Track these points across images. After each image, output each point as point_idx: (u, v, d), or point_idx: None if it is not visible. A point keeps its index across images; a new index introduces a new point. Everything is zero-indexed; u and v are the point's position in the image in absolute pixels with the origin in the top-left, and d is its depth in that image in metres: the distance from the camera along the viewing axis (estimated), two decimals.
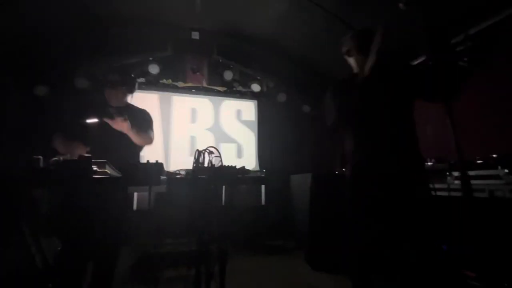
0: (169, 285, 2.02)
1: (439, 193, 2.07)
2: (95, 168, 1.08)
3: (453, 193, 1.97)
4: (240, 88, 4.23)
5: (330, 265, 2.56)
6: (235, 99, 4.22)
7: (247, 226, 3.35)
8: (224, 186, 1.81)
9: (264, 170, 3.81)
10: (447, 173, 2.06)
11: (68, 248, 1.43)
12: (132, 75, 2.14)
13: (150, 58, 3.72)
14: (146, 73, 3.74)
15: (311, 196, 2.82)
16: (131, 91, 2.03)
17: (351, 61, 1.74)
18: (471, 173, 1.92)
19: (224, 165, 1.25)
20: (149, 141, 2.02)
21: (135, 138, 1.82)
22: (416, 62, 3.10)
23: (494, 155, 1.89)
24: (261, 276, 2.50)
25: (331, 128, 1.71)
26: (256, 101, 4.32)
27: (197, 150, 1.25)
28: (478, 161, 1.92)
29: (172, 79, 3.92)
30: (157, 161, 1.14)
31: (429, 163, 2.33)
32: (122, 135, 1.73)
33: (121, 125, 1.69)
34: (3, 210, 1.09)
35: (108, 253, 1.53)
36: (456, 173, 1.98)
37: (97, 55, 3.32)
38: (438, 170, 2.21)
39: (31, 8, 2.60)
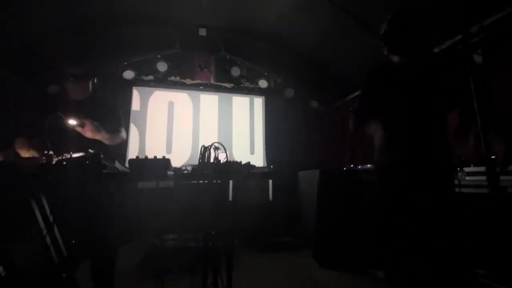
0: (176, 280, 2.06)
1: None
2: (104, 163, 1.11)
3: (464, 190, 1.92)
4: (247, 84, 4.23)
5: (338, 262, 2.55)
6: (242, 95, 4.23)
7: (254, 222, 3.36)
8: (231, 182, 1.83)
9: (272, 166, 3.82)
10: (458, 169, 2.01)
11: (81, 242, 1.49)
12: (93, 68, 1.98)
13: (158, 56, 3.76)
14: (154, 71, 3.79)
15: (319, 193, 2.81)
16: (93, 82, 1.88)
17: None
18: (482, 169, 1.87)
19: (230, 161, 1.26)
20: (120, 140, 1.91)
21: (106, 141, 1.73)
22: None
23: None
24: (268, 273, 2.51)
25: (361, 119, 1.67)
26: (263, 97, 4.32)
27: (203, 145, 1.26)
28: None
29: (180, 76, 3.96)
30: (163, 156, 1.16)
31: None
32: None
33: (86, 130, 1.56)
34: (18, 203, 1.14)
35: (109, 248, 1.56)
36: (468, 169, 1.93)
37: (106, 54, 3.38)
38: None
39: (42, 7, 2.66)
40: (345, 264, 2.54)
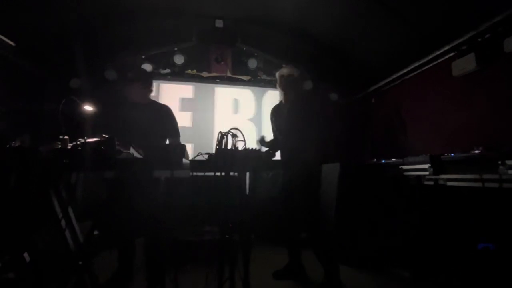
0: (192, 273, 2.03)
1: (487, 185, 1.85)
2: (119, 148, 1.08)
3: (506, 185, 1.73)
4: (264, 76, 4.13)
5: (357, 260, 2.44)
6: (260, 87, 4.14)
7: (272, 216, 3.29)
8: (248, 174, 1.75)
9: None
10: (499, 162, 1.81)
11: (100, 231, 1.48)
12: (148, 70, 2.15)
13: (175, 49, 3.75)
14: (172, 64, 3.79)
15: (339, 187, 2.69)
16: (148, 87, 2.02)
17: None
18: None
19: (248, 148, 1.18)
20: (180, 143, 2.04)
21: None
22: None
23: None
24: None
25: None
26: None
27: (220, 132, 1.20)
28: None
29: (197, 70, 3.93)
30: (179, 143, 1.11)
31: (477, 151, 2.08)
32: (146, 131, 1.73)
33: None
34: (36, 188, 1.13)
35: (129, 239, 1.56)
36: (511, 162, 1.73)
37: (124, 47, 3.41)
38: (488, 159, 1.97)
39: (62, 4, 2.70)
40: (365, 262, 2.43)
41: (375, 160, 3.13)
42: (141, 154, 1.16)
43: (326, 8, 3.25)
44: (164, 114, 2.05)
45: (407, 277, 2.21)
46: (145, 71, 2.08)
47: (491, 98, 2.47)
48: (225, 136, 1.20)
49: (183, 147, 1.10)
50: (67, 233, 1.18)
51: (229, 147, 1.23)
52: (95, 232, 1.50)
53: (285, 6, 3.38)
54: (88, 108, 1.38)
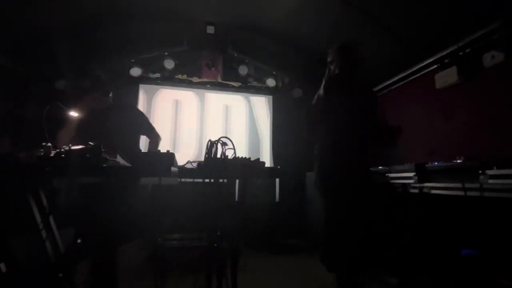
0: (179, 281, 1.99)
1: (470, 193, 1.91)
2: (105, 156, 1.05)
3: (487, 193, 1.80)
4: (255, 83, 4.16)
5: (346, 267, 2.45)
6: (250, 94, 4.16)
7: (260, 223, 3.28)
8: (237, 181, 1.75)
9: (279, 167, 3.72)
10: (480, 172, 1.88)
11: (83, 239, 1.43)
12: (102, 77, 2.13)
13: (166, 53, 3.72)
14: (161, 68, 3.75)
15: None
16: (107, 94, 1.99)
17: None
18: (508, 171, 1.74)
19: (238, 157, 1.18)
20: (160, 139, 2.11)
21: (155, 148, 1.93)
22: None
23: None
24: (273, 275, 2.42)
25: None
26: (271, 97, 4.24)
27: (210, 140, 1.19)
28: None
29: (187, 74, 3.91)
30: (168, 150, 1.09)
31: (458, 161, 2.16)
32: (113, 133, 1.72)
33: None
34: (15, 199, 1.08)
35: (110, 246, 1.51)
36: (491, 172, 1.80)
37: (113, 50, 3.35)
38: (469, 169, 2.04)
39: (49, 4, 2.64)
40: (354, 269, 2.44)
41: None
42: (128, 162, 1.14)
43: (316, 18, 3.33)
44: (131, 112, 2.05)
45: (394, 284, 2.24)
46: (102, 79, 2.06)
47: (472, 110, 2.57)
48: (214, 145, 1.19)
49: (172, 155, 1.09)
50: (47, 242, 1.12)
51: (218, 155, 1.22)
52: (78, 240, 1.44)
53: (276, 15, 3.44)
54: (73, 113, 1.34)
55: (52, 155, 1.03)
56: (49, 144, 1.02)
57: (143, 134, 2.10)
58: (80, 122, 1.75)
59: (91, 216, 1.46)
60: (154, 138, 2.07)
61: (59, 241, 1.21)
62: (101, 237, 1.53)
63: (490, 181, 1.80)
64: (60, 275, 1.11)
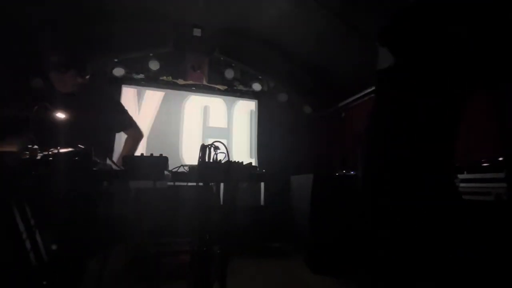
0: (167, 286, 1.96)
1: None
2: (95, 159, 1.02)
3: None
4: (241, 87, 4.18)
5: (330, 269, 2.52)
6: (235, 97, 4.18)
7: (245, 227, 3.28)
8: (222, 184, 1.75)
9: (264, 171, 3.76)
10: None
11: (66, 245, 1.37)
12: (80, 55, 1.78)
13: (151, 54, 3.66)
14: (146, 69, 3.68)
15: (313, 197, 2.78)
16: (82, 75, 1.66)
17: None
18: (477, 176, 1.89)
19: (231, 161, 1.20)
20: (141, 136, 1.88)
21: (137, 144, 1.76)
22: None
23: (500, 158, 1.87)
24: (259, 278, 2.44)
25: None
26: (256, 101, 4.28)
27: (203, 144, 1.20)
28: (484, 164, 1.90)
29: (172, 76, 3.86)
30: (161, 154, 1.09)
31: None
32: (81, 126, 1.48)
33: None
34: None
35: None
36: (462, 176, 1.95)
37: (96, 49, 3.24)
38: None
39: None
40: (338, 270, 2.51)
41: (344, 171, 3.30)
42: (118, 166, 1.12)
43: (302, 25, 3.43)
44: (106, 103, 1.76)
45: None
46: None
47: None
48: (207, 149, 1.20)
49: (165, 159, 1.08)
50: (30, 249, 1.07)
51: (210, 159, 1.23)
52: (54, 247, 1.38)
53: (264, 20, 3.50)
54: (61, 115, 1.29)
55: (38, 158, 0.99)
56: (36, 146, 0.98)
57: (121, 130, 1.82)
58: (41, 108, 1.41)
59: (73, 221, 1.41)
60: (135, 134, 1.82)
61: (42, 248, 1.15)
62: (83, 242, 1.48)
63: (462, 184, 1.95)
64: (44, 282, 1.07)
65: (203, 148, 1.20)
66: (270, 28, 3.65)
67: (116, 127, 1.79)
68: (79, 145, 1.03)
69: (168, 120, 3.78)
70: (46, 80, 1.70)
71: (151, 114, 3.72)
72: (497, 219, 1.70)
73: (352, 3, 2.96)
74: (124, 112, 1.81)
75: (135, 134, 1.82)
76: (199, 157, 1.16)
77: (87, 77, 1.68)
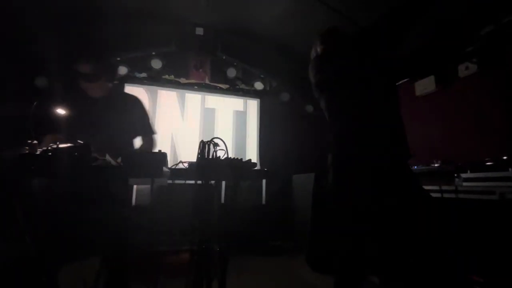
0: (168, 284, 1.95)
1: (446, 195, 2.03)
2: (95, 155, 1.03)
3: (462, 195, 1.92)
4: (243, 86, 4.18)
5: (331, 267, 2.50)
6: (237, 97, 4.17)
7: (246, 225, 3.28)
8: (224, 182, 1.75)
9: (266, 169, 3.76)
10: (455, 175, 2.01)
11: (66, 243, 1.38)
12: (111, 61, 1.83)
13: (153, 53, 3.67)
14: (148, 68, 3.69)
15: (314, 196, 2.77)
16: (111, 80, 1.72)
17: None
18: (480, 175, 1.87)
19: (230, 158, 1.19)
20: (155, 142, 1.88)
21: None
22: None
23: (505, 157, 1.85)
24: (260, 277, 2.43)
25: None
26: (258, 100, 4.28)
27: (202, 141, 1.19)
28: (488, 163, 1.87)
29: (174, 75, 3.87)
30: (160, 150, 1.08)
31: (436, 165, 2.28)
32: (109, 129, 1.55)
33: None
34: None
35: (117, 250, 1.47)
36: (465, 175, 1.93)
37: (99, 48, 3.26)
38: (445, 172, 2.17)
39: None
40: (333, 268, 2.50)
41: None
42: (118, 162, 1.12)
43: (304, 24, 3.41)
44: (131, 106, 1.76)
45: (376, 283, 2.31)
46: (109, 63, 1.79)
47: (448, 116, 2.74)
48: (207, 145, 1.20)
49: (164, 155, 1.08)
50: (29, 245, 1.08)
51: (210, 156, 1.23)
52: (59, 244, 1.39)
53: (266, 19, 3.50)
54: (61, 111, 1.30)
55: (38, 153, 0.99)
56: (35, 141, 0.99)
57: (139, 135, 1.81)
58: (72, 113, 1.53)
59: (75, 218, 1.41)
60: (150, 142, 1.81)
61: (42, 244, 1.16)
62: (86, 239, 1.49)
63: (465, 183, 1.93)
64: (44, 278, 1.07)
65: (202, 144, 1.20)
66: (272, 27, 3.64)
67: (139, 131, 1.80)
68: (78, 141, 1.03)
69: (169, 118, 3.79)
70: (55, 81, 1.76)
71: (152, 112, 3.73)
72: (502, 218, 1.67)
73: (353, 0, 2.95)
74: (148, 117, 1.84)
75: (151, 143, 1.81)
76: (198, 153, 1.16)
77: (116, 82, 1.70)
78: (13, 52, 2.89)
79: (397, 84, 1.59)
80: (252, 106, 4.24)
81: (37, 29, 2.78)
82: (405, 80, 3.18)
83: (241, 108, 4.17)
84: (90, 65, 1.58)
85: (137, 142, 1.82)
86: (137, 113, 1.76)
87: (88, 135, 1.33)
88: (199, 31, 3.67)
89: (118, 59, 3.52)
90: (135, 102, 1.80)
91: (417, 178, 1.42)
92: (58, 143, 1.02)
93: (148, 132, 1.81)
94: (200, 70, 3.99)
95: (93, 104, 1.62)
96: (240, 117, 4.14)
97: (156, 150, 1.76)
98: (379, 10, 2.89)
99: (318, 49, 1.68)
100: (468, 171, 1.95)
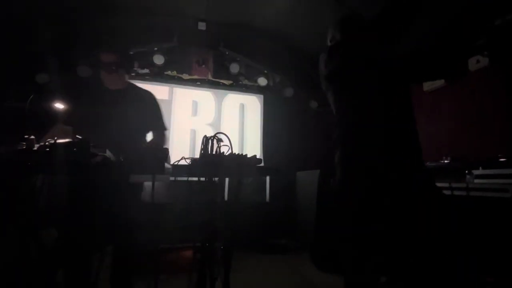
0: (171, 282, 1.93)
1: (456, 193, 1.97)
2: (94, 151, 0.99)
3: (473, 193, 1.85)
4: (246, 81, 4.12)
5: (336, 266, 2.47)
6: (240, 93, 4.12)
7: (250, 223, 3.25)
8: (227, 180, 1.71)
9: (270, 166, 3.71)
10: (466, 172, 1.95)
11: (66, 240, 1.35)
12: (130, 53, 1.85)
13: (155, 49, 3.62)
14: (151, 64, 3.65)
15: (318, 194, 2.72)
16: (129, 72, 1.77)
17: None
18: (493, 171, 1.81)
19: (235, 153, 1.15)
20: (167, 138, 1.86)
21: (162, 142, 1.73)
22: None
23: None
24: (264, 275, 2.41)
25: None
26: (262, 96, 4.22)
27: (205, 136, 1.15)
28: (501, 159, 1.81)
29: (177, 71, 3.82)
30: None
31: (445, 161, 2.22)
32: (122, 122, 1.54)
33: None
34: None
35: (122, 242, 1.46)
36: (477, 172, 1.87)
37: (100, 43, 3.22)
38: (455, 169, 2.11)
39: None
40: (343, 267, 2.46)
41: None
42: (118, 158, 1.08)
43: (309, 18, 3.34)
44: (147, 102, 1.76)
45: (383, 282, 2.27)
46: (128, 54, 1.84)
47: (457, 112, 2.66)
48: (210, 140, 1.15)
49: (165, 151, 1.04)
50: (31, 244, 1.05)
51: (213, 151, 1.18)
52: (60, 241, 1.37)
53: (269, 14, 3.43)
54: (59, 105, 1.26)
55: (35, 148, 0.96)
56: (32, 137, 0.95)
57: (151, 130, 1.80)
58: (87, 105, 1.56)
59: (77, 216, 1.38)
60: (162, 137, 1.78)
61: (42, 242, 1.13)
62: (86, 238, 1.46)
63: (476, 180, 1.86)
64: (45, 276, 1.04)
65: (206, 140, 1.15)
66: (276, 21, 3.58)
67: (151, 126, 1.80)
68: (77, 136, 0.99)
69: (172, 114, 3.75)
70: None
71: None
72: None
73: None
74: (161, 113, 1.83)
75: (163, 139, 1.79)
76: (201, 149, 1.11)
77: (133, 74, 1.72)
78: (14, 48, 2.87)
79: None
80: (256, 102, 4.19)
81: (37, 25, 2.75)
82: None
83: (244, 104, 4.12)
84: (113, 54, 1.61)
85: (149, 137, 1.82)
86: (150, 108, 1.76)
87: (99, 127, 1.35)
88: (202, 26, 3.61)
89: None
90: (150, 97, 1.80)
91: (431, 176, 1.35)
92: (56, 138, 0.98)
93: (160, 128, 1.80)
94: (203, 65, 3.94)
95: (110, 95, 1.63)
96: (243, 113, 4.09)
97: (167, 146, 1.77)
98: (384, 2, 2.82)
99: (337, 37, 1.55)
100: (480, 168, 1.89)
